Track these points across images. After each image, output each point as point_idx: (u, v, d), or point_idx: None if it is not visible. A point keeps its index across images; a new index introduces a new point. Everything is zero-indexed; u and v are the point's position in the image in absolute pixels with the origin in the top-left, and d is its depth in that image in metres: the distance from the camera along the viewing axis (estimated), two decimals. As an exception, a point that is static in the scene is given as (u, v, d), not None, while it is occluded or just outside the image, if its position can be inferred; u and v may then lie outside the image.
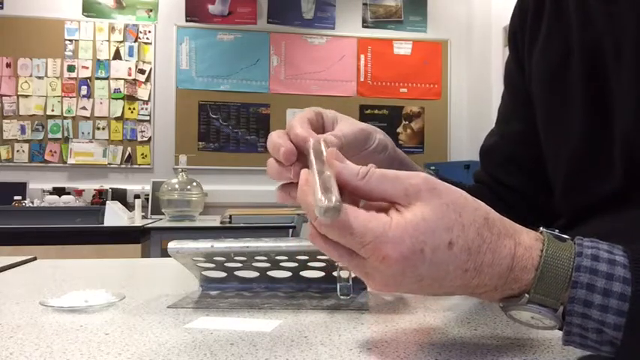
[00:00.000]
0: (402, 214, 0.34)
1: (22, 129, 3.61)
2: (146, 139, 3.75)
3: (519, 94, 0.68)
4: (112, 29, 3.73)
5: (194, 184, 3.07)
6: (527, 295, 0.35)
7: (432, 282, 0.35)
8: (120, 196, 3.40)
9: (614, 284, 0.33)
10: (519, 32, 0.67)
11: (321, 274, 0.63)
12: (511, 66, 0.71)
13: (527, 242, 0.36)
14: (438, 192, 0.35)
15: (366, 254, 0.35)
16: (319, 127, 0.48)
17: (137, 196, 3.25)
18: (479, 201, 0.37)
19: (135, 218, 2.88)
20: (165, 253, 0.65)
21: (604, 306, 0.33)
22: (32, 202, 3.17)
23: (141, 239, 2.66)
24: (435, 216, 0.34)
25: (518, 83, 0.68)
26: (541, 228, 0.37)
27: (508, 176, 0.69)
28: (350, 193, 0.37)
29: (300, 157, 0.43)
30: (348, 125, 0.49)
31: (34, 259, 0.96)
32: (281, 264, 0.62)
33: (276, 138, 0.44)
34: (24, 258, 0.93)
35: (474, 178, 0.75)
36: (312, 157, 0.40)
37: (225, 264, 0.63)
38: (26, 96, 3.62)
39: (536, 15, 0.63)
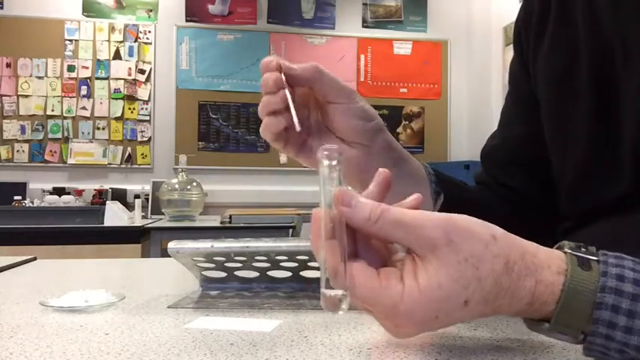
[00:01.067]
0: (417, 279, 0.34)
1: (22, 129, 3.61)
2: (146, 139, 3.74)
3: (523, 97, 0.68)
4: (112, 29, 3.73)
5: (194, 184, 3.07)
6: (547, 324, 0.35)
7: (448, 326, 0.36)
8: (120, 196, 3.40)
9: (639, 305, 0.33)
10: (524, 34, 0.67)
11: (321, 274, 0.63)
12: (515, 68, 0.70)
13: (549, 278, 0.34)
14: (456, 246, 0.33)
15: (379, 319, 0.36)
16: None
17: (137, 196, 3.25)
18: (501, 240, 0.35)
19: (135, 218, 2.88)
20: (165, 253, 0.65)
21: (628, 328, 0.33)
22: (32, 202, 3.17)
23: (141, 239, 2.66)
24: (452, 279, 0.33)
25: (522, 85, 0.68)
26: (566, 248, 0.36)
27: (510, 177, 0.69)
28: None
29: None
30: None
31: (34, 259, 0.96)
32: (281, 264, 0.62)
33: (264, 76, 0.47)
34: (24, 258, 0.93)
35: (475, 180, 0.75)
36: (322, 187, 0.38)
37: (225, 264, 0.63)
38: (26, 96, 3.62)
39: (542, 17, 0.63)
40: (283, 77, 0.47)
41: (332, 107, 0.50)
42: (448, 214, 0.35)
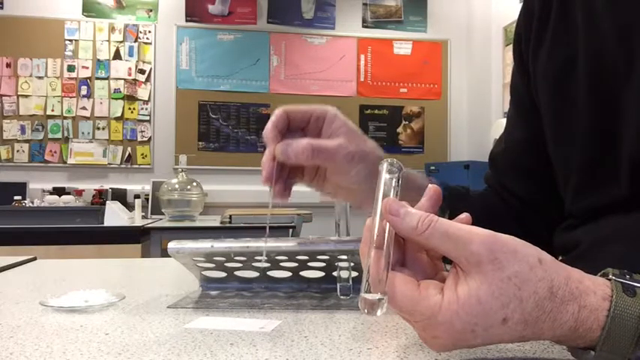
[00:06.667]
0: (456, 291, 0.34)
1: (22, 129, 3.61)
2: (146, 139, 3.75)
3: (522, 103, 0.68)
4: (112, 29, 3.73)
5: (194, 184, 3.07)
6: (592, 352, 0.35)
7: (486, 344, 0.36)
8: (120, 196, 3.40)
9: None
10: (524, 36, 0.67)
11: (321, 274, 0.63)
12: (515, 74, 0.70)
13: (594, 304, 0.34)
14: (500, 264, 0.33)
15: (417, 328, 0.36)
16: (300, 122, 0.54)
17: (137, 196, 3.25)
18: (547, 264, 0.34)
19: (135, 218, 2.88)
20: (165, 253, 0.65)
21: None
22: (32, 202, 3.17)
23: (141, 239, 2.66)
24: (492, 296, 0.33)
25: (522, 92, 0.68)
26: (611, 275, 0.36)
27: (512, 182, 0.70)
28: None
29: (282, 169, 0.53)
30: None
31: (34, 259, 0.96)
32: (281, 264, 0.62)
33: (264, 157, 0.53)
34: (24, 258, 0.93)
35: (485, 180, 0.76)
36: (378, 198, 0.39)
37: (225, 264, 0.63)
38: (26, 96, 3.62)
39: (543, 18, 0.63)
40: (275, 167, 0.52)
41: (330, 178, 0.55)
42: (496, 232, 0.35)
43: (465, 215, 0.39)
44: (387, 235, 0.36)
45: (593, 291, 0.35)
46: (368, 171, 0.54)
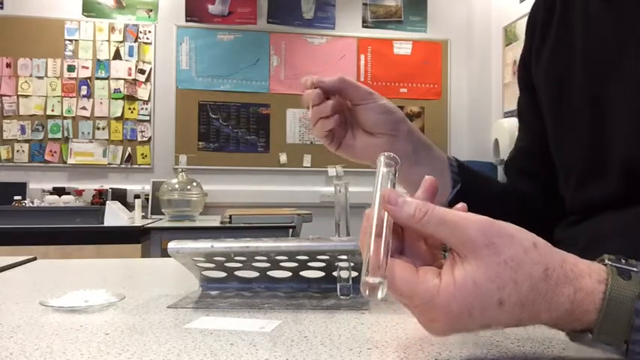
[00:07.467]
0: (453, 274, 0.34)
1: (22, 129, 3.61)
2: (146, 139, 3.75)
3: (525, 115, 0.74)
4: (112, 29, 3.73)
5: (194, 184, 3.07)
6: (590, 335, 0.35)
7: (484, 329, 0.36)
8: (120, 196, 3.40)
9: None
10: (528, 36, 0.69)
11: (321, 274, 0.63)
12: (520, 93, 0.75)
13: (589, 286, 0.35)
14: (496, 248, 0.34)
15: (416, 313, 0.37)
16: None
17: (137, 196, 3.25)
18: (541, 248, 0.35)
19: (135, 218, 2.87)
20: (165, 253, 0.65)
21: None
22: (32, 202, 3.17)
23: (141, 239, 2.66)
24: (488, 279, 0.34)
25: (527, 100, 0.72)
26: (606, 260, 0.36)
27: (520, 184, 0.74)
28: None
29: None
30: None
31: (34, 259, 0.96)
32: (281, 264, 0.62)
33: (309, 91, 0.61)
34: (24, 258, 0.93)
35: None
36: (376, 189, 0.40)
37: (225, 264, 0.63)
38: (26, 96, 3.62)
39: (547, 19, 0.65)
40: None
41: (358, 108, 0.62)
42: (492, 218, 0.35)
43: (461, 205, 0.39)
44: (385, 223, 0.37)
45: (588, 274, 0.35)
46: (387, 109, 0.62)
